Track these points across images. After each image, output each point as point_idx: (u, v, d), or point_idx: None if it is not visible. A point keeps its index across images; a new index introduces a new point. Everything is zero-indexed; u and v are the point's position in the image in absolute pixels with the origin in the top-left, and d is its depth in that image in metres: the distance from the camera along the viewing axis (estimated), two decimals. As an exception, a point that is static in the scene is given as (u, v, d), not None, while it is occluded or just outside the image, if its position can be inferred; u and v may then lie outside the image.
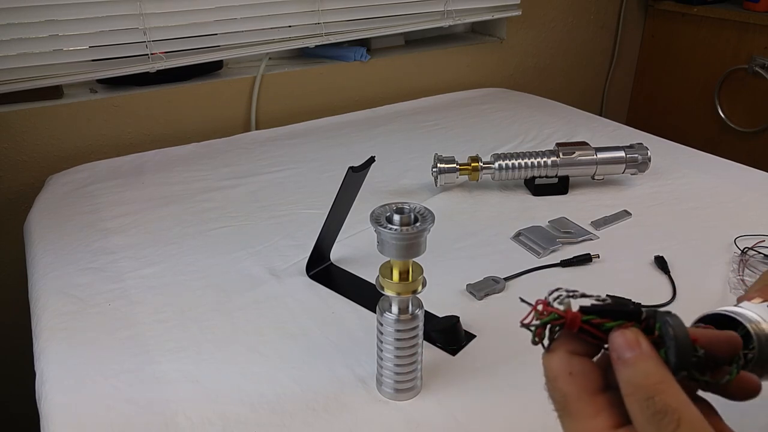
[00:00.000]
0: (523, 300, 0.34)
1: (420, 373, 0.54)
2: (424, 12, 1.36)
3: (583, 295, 0.32)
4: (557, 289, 0.32)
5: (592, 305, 0.32)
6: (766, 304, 0.36)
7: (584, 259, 0.73)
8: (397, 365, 0.51)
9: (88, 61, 1.08)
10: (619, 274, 0.71)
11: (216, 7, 1.14)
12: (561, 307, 0.32)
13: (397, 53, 1.43)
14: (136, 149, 1.13)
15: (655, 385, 0.28)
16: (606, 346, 0.31)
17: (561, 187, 0.91)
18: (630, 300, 0.33)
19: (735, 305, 0.37)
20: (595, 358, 0.32)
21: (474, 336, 0.61)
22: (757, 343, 0.33)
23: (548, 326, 0.32)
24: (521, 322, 0.32)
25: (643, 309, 0.32)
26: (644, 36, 1.83)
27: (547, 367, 0.32)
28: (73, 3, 1.02)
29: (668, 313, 0.31)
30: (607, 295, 0.32)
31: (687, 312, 0.67)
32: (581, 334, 0.31)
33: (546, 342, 0.32)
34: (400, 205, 0.47)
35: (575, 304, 0.32)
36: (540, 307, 0.32)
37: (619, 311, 0.31)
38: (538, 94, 1.44)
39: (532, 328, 0.32)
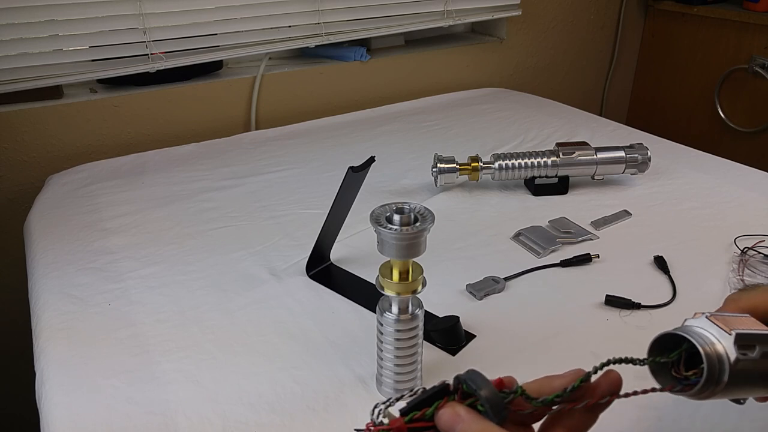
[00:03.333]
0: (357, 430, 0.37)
1: (420, 373, 0.54)
2: (424, 12, 1.36)
3: (398, 399, 0.36)
4: (375, 406, 0.35)
5: (408, 404, 0.35)
6: (705, 315, 0.37)
7: (584, 259, 0.73)
8: (397, 365, 0.51)
9: (88, 61, 1.08)
10: (619, 274, 0.71)
11: (216, 7, 1.14)
12: (386, 420, 0.34)
13: (397, 53, 1.43)
14: (136, 149, 1.13)
15: None
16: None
17: (561, 187, 0.91)
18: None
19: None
20: None
21: (474, 336, 0.61)
22: (707, 362, 0.35)
23: None
24: None
25: (447, 381, 0.36)
26: (644, 36, 1.83)
27: None
28: (73, 3, 1.02)
29: (467, 371, 0.35)
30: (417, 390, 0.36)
31: (687, 312, 0.67)
32: None
33: None
34: (400, 205, 0.47)
35: (396, 410, 0.35)
36: (372, 429, 0.34)
37: (431, 395, 0.35)
38: (538, 94, 1.44)
39: None
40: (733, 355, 0.35)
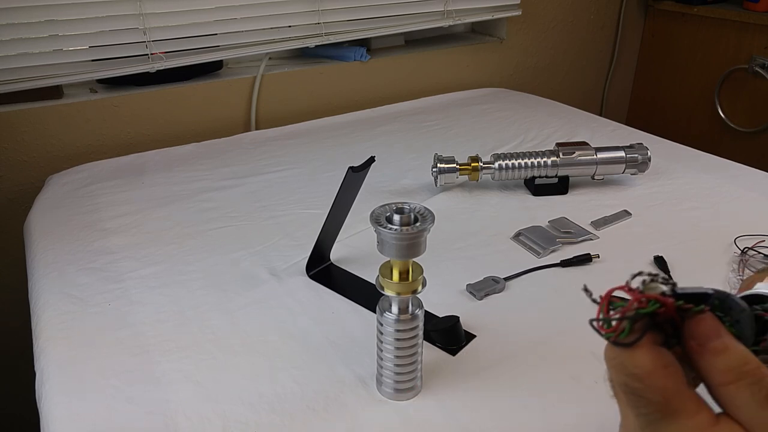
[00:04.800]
0: (587, 290, 0.30)
1: (420, 373, 0.54)
2: (424, 12, 1.36)
3: (664, 281, 0.29)
4: (638, 274, 0.29)
5: (680, 290, 0.29)
6: None
7: (584, 259, 0.73)
8: (397, 365, 0.51)
9: (88, 61, 1.08)
10: (619, 274, 0.71)
11: (216, 7, 1.14)
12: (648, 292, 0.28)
13: (397, 53, 1.43)
14: (136, 149, 1.13)
15: (756, 369, 0.27)
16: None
17: (561, 187, 0.91)
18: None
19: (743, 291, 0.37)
20: None
21: (474, 336, 0.61)
22: None
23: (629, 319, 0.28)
24: (604, 318, 0.28)
25: (710, 291, 0.29)
26: (644, 36, 1.83)
27: (635, 364, 0.28)
28: (73, 3, 1.02)
29: (722, 292, 0.29)
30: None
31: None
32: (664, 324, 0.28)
33: (625, 338, 0.28)
34: (400, 205, 0.47)
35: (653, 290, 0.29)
36: (634, 300, 0.28)
37: (698, 295, 0.29)
38: (538, 94, 1.44)
39: (614, 323, 0.28)
40: None
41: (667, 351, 0.28)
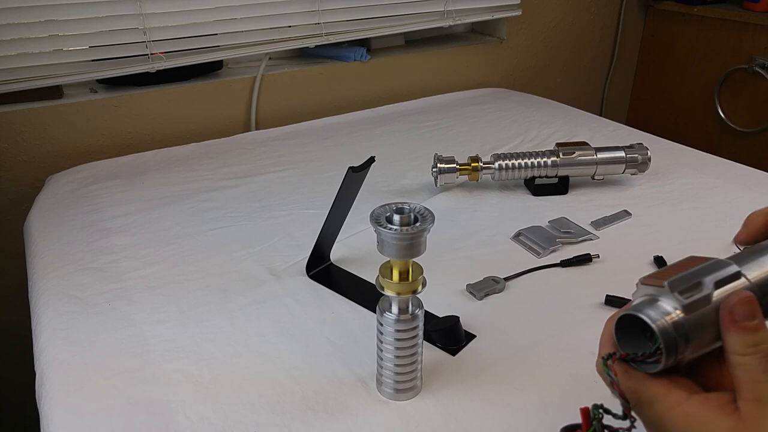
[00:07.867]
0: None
1: (420, 373, 0.54)
2: (424, 12, 1.36)
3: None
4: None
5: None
6: (639, 281, 0.37)
7: (584, 259, 0.73)
8: (397, 365, 0.51)
9: (88, 61, 1.08)
10: (619, 274, 0.71)
11: (216, 7, 1.14)
12: None
13: (397, 53, 1.43)
14: (136, 149, 1.13)
15: None
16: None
17: (561, 187, 0.91)
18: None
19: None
20: None
21: (474, 336, 0.61)
22: (662, 337, 0.34)
23: None
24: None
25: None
26: (644, 36, 1.83)
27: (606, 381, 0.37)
28: (73, 3, 1.02)
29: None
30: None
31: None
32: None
33: None
34: (400, 205, 0.47)
35: None
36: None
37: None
38: (538, 94, 1.44)
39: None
40: (676, 305, 0.34)
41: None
